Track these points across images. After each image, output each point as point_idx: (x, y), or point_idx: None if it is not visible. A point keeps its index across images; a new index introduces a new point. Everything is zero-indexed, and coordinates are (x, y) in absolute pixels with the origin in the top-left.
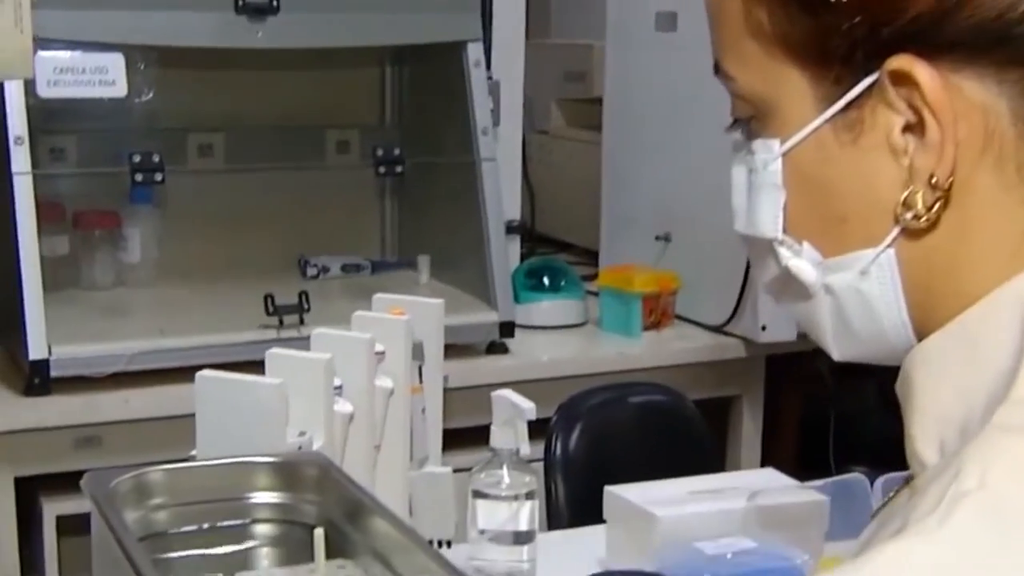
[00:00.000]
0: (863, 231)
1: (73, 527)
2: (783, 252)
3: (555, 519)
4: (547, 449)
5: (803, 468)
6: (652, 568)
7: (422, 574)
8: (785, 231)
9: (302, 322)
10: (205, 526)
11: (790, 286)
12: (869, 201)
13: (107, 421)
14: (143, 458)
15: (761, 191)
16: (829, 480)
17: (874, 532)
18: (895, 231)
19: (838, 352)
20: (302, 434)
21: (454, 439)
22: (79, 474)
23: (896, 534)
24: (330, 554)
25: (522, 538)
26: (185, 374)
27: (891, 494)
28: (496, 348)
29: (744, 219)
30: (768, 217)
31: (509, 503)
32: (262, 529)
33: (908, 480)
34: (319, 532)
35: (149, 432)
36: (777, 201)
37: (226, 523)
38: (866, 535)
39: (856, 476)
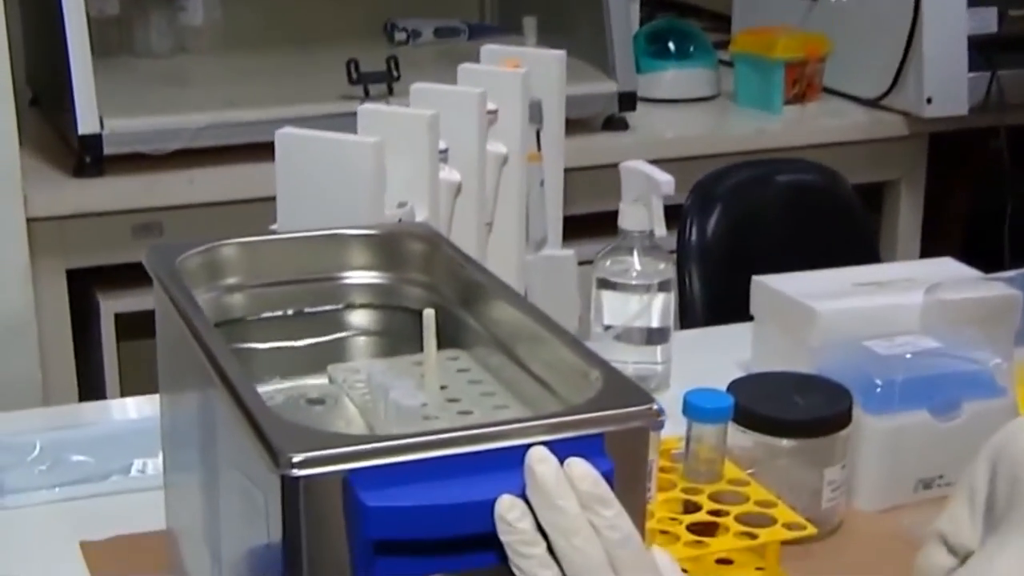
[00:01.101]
0: None
1: (133, 328)
2: None
3: (689, 316)
4: (680, 236)
5: (970, 266)
6: (810, 371)
7: (556, 366)
8: None
9: (391, 92)
10: (290, 312)
11: None
12: None
13: (168, 205)
14: None
15: None
16: (1021, 271)
17: None
18: None
19: None
20: (401, 205)
21: (567, 227)
22: (138, 267)
23: None
24: (441, 343)
25: (655, 336)
26: (256, 152)
27: None
28: (614, 124)
29: None
30: None
31: (640, 295)
32: (358, 315)
33: None
34: (429, 313)
35: (216, 217)
36: None
37: (315, 308)
38: None
39: None
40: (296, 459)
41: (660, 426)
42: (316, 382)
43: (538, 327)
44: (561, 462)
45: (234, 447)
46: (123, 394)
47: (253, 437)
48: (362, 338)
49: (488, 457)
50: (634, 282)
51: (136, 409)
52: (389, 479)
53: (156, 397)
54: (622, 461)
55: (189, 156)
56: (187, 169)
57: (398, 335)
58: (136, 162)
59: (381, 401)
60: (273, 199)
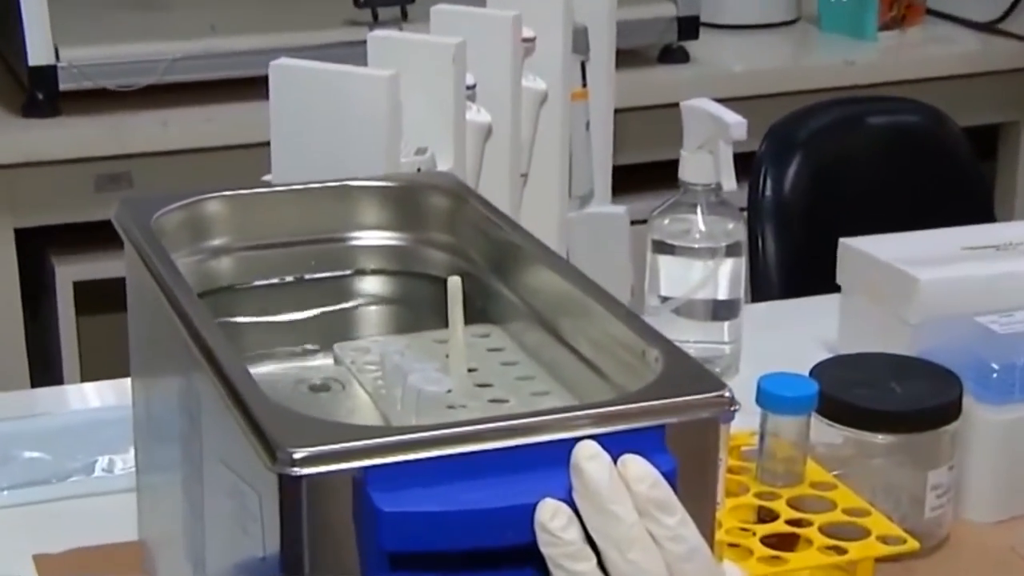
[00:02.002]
0: None
1: (95, 299)
2: None
3: (763, 286)
4: (752, 190)
5: None
6: (909, 352)
7: (607, 345)
8: None
9: (405, 16)
10: (288, 279)
11: None
12: None
13: (138, 152)
14: None
15: None
16: None
17: None
18: None
19: None
20: (420, 152)
21: (617, 179)
22: (102, 226)
23: None
24: (469, 317)
25: (722, 310)
26: (245, 88)
27: None
28: (673, 55)
29: None
30: None
31: (704, 261)
32: (369, 283)
33: None
34: (454, 281)
35: (195, 167)
36: None
37: (317, 275)
38: None
39: None
40: (298, 455)
41: (730, 417)
42: (320, 364)
43: (585, 297)
44: (614, 460)
45: (223, 441)
46: (83, 378)
47: (246, 429)
48: (374, 310)
49: (526, 454)
50: (697, 245)
51: (99, 396)
52: (408, 479)
53: (123, 382)
54: (686, 459)
55: (162, 93)
56: (160, 109)
57: (417, 307)
58: (98, 100)
59: (398, 387)
60: (266, 145)
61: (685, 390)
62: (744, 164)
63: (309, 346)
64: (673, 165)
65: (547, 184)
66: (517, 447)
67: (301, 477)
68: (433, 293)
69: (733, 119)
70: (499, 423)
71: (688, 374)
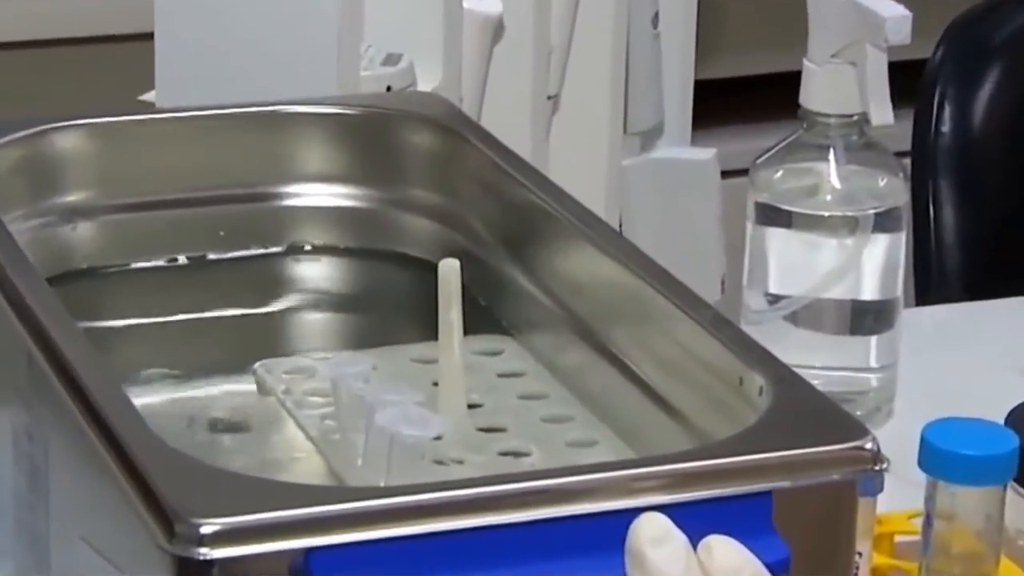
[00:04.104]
0: None
1: None
2: None
3: (937, 279)
4: (918, 127)
5: None
6: None
7: (682, 367)
8: None
9: None
10: (182, 258)
11: None
12: None
13: None
14: None
15: None
16: None
17: None
18: None
19: None
20: (391, 60)
21: (700, 105)
22: None
23: None
24: (470, 323)
25: (868, 318)
26: None
27: None
28: None
29: None
30: None
31: (840, 238)
32: (311, 267)
33: None
34: (448, 266)
35: (23, 68)
36: None
37: (229, 253)
38: None
39: None
40: (207, 529)
41: (877, 486)
42: (232, 391)
43: (652, 294)
44: (693, 544)
45: (85, 509)
46: None
47: (127, 489)
48: (320, 311)
49: (556, 534)
50: (829, 213)
51: None
52: (370, 569)
53: None
54: (805, 546)
55: None
56: None
57: (389, 307)
58: None
59: (359, 430)
60: (147, 39)
61: (804, 440)
62: (907, 83)
63: (217, 363)
64: (789, 83)
65: (590, 113)
66: (542, 523)
67: (211, 562)
68: (414, 284)
69: (891, 11)
70: (514, 486)
71: (810, 415)
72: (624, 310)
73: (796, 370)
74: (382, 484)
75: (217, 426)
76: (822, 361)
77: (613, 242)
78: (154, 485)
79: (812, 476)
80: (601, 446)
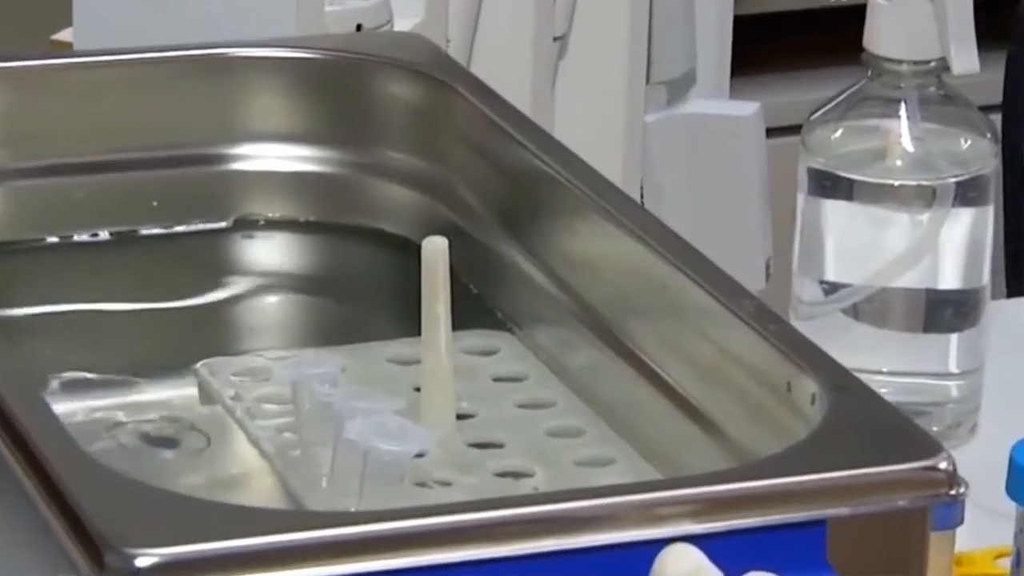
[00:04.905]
0: None
1: None
2: None
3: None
4: (1010, 77)
5: None
6: None
7: (718, 369)
8: None
9: None
10: (105, 233)
11: None
12: None
13: None
14: None
15: None
16: None
17: None
18: None
19: None
20: None
21: (739, 49)
22: None
23: None
24: (460, 315)
25: (947, 313)
26: None
27: None
28: None
29: None
30: None
31: (912, 213)
32: (265, 245)
33: None
34: (433, 246)
35: None
36: None
37: (165, 228)
38: None
39: None
40: (142, 561)
41: (955, 517)
42: (167, 398)
43: (679, 280)
44: None
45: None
46: None
47: (49, 513)
48: (276, 299)
49: (566, 569)
50: (899, 181)
51: None
52: None
53: None
54: None
55: None
56: None
57: (362, 295)
58: None
59: (326, 444)
60: None
61: (865, 458)
62: (997, 22)
63: (149, 364)
64: (851, 20)
65: (605, 58)
66: (545, 557)
67: None
68: (391, 267)
69: None
70: (512, 512)
71: (871, 429)
72: (646, 300)
73: (856, 375)
74: (352, 509)
75: (152, 440)
76: (889, 364)
77: (633, 216)
78: (79, 509)
79: (874, 502)
80: (618, 465)
